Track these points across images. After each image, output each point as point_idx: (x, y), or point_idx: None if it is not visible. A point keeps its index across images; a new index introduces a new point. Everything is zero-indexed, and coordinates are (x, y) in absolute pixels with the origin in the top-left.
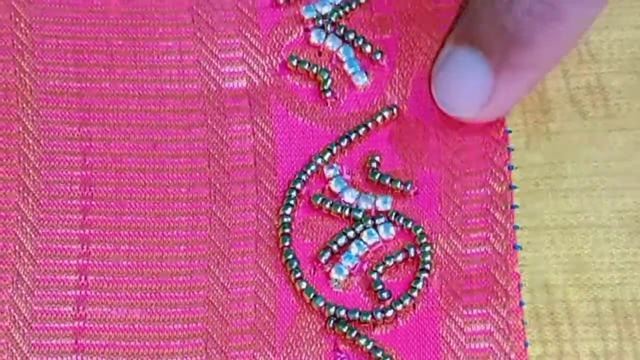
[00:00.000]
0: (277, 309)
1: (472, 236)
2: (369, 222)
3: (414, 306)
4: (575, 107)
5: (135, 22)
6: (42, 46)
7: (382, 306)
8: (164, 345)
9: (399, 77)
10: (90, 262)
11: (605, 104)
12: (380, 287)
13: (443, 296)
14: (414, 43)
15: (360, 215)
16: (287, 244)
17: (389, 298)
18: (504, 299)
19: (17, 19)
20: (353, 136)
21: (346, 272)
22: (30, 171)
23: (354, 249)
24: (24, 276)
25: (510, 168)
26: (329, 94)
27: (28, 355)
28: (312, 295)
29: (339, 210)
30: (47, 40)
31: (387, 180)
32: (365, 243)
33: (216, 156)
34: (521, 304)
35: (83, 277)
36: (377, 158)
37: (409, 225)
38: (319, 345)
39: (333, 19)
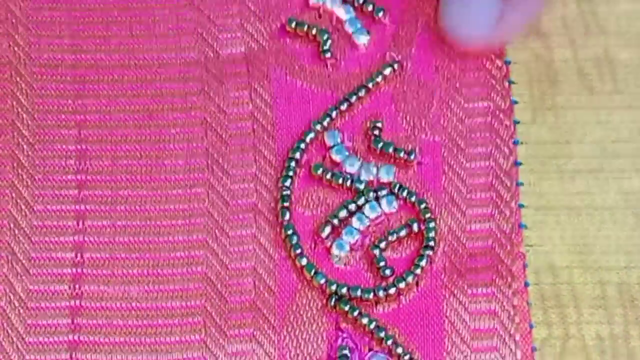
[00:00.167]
0: (277, 285)
1: (477, 212)
2: (371, 194)
3: (417, 284)
4: (582, 80)
5: None
6: (37, 18)
7: (384, 283)
8: (162, 323)
9: (404, 35)
10: (86, 239)
11: (613, 79)
12: (382, 263)
13: (447, 274)
14: (417, 2)
15: (362, 186)
16: (287, 218)
17: (391, 275)
18: (509, 279)
19: None
20: (353, 99)
21: (347, 247)
22: (25, 146)
23: (355, 222)
24: (19, 254)
25: (516, 143)
26: (328, 55)
27: (24, 335)
28: (312, 272)
29: (340, 181)
30: (41, 12)
31: (390, 149)
32: (367, 217)
33: (214, 124)
34: (526, 284)
35: (79, 254)
36: (379, 124)
37: (413, 198)
38: (320, 324)
39: None
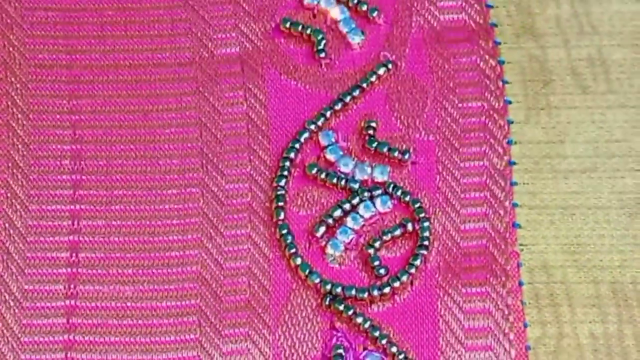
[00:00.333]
0: (272, 285)
1: (471, 211)
2: (366, 194)
3: (411, 283)
4: (576, 79)
5: None
6: (31, 18)
7: (379, 283)
8: (156, 322)
9: (398, 35)
10: (81, 239)
11: (607, 78)
12: (377, 263)
13: (441, 273)
14: (410, 3)
15: (356, 186)
16: (281, 217)
17: (386, 274)
18: (503, 278)
19: None
20: (348, 99)
21: (342, 247)
22: (20, 146)
23: (349, 222)
24: (14, 254)
25: (510, 142)
26: (322, 55)
27: (19, 335)
28: (307, 271)
29: (334, 181)
30: (36, 12)
31: (385, 149)
32: (361, 216)
33: (208, 124)
34: (520, 283)
35: (74, 254)
36: (373, 124)
37: (407, 198)
38: (314, 323)
39: None
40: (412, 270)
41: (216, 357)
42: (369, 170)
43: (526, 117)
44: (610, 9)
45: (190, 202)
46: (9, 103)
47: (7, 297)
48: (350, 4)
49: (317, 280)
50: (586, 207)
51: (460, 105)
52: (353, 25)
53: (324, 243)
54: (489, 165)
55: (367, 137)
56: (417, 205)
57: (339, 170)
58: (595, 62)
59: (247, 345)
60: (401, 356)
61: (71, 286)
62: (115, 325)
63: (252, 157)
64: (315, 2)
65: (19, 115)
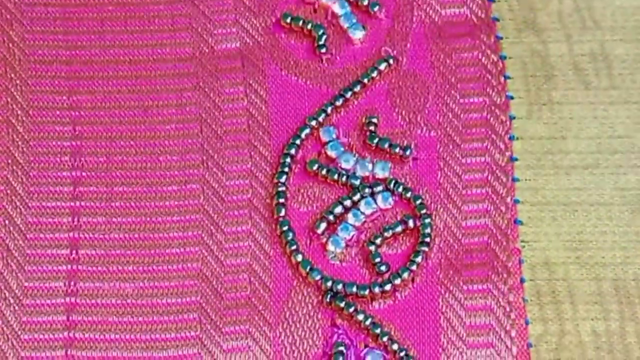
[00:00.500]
0: (273, 282)
1: (472, 207)
2: (367, 190)
3: (412, 280)
4: (578, 75)
5: None
6: (31, 14)
7: (380, 280)
8: (157, 320)
9: (399, 30)
10: (81, 236)
11: (609, 74)
12: (378, 259)
13: (443, 270)
14: None
15: (357, 182)
16: (282, 214)
17: (387, 271)
18: (505, 275)
19: None
20: (348, 94)
21: (343, 243)
22: (19, 143)
23: (350, 219)
24: (14, 251)
25: (512, 138)
26: (323, 50)
27: (19, 332)
28: (308, 268)
29: (335, 177)
30: (35, 8)
31: (386, 145)
32: (362, 213)
33: (208, 120)
34: (522, 280)
35: (74, 251)
36: (375, 119)
37: (408, 194)
38: (315, 321)
39: None
40: (413, 267)
41: (217, 354)
42: (370, 166)
43: (528, 113)
44: (612, 3)
45: (191, 198)
46: (9, 99)
47: (6, 294)
48: None
49: (318, 277)
50: (588, 204)
51: (461, 100)
52: (354, 20)
53: (324, 240)
54: (490, 161)
55: (368, 133)
56: (418, 202)
57: (340, 167)
58: (598, 58)
59: (247, 343)
60: (402, 353)
61: (71, 283)
62: (115, 323)
63: (252, 153)
64: None
65: (19, 112)
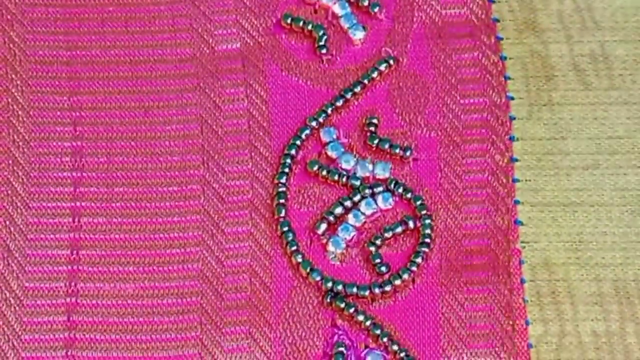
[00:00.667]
0: (273, 282)
1: (473, 208)
2: (367, 191)
3: (413, 281)
4: (578, 75)
5: None
6: (32, 15)
7: (380, 280)
8: (157, 320)
9: (399, 31)
10: (82, 236)
11: (609, 75)
12: (378, 260)
13: (443, 271)
14: None
15: (357, 183)
16: (282, 215)
17: (387, 272)
18: (505, 276)
19: None
20: (349, 95)
21: (343, 244)
22: (20, 143)
23: (351, 219)
24: (14, 252)
25: (512, 139)
26: (324, 51)
27: (20, 333)
28: (308, 269)
29: (335, 177)
30: (36, 9)
31: (387, 146)
32: (363, 213)
33: (209, 121)
34: (522, 281)
35: (75, 252)
36: (375, 120)
37: (409, 195)
38: (316, 321)
39: None
40: (414, 268)
41: (217, 355)
42: (370, 167)
43: (528, 114)
44: (613, 4)
45: (191, 199)
46: (10, 100)
47: (7, 294)
48: (352, 0)
49: (319, 278)
50: (588, 205)
51: (462, 101)
52: (354, 21)
53: (325, 240)
54: (490, 162)
55: (368, 134)
56: (418, 202)
57: (340, 167)
58: (598, 58)
59: (248, 343)
60: (402, 354)
61: (72, 284)
62: (116, 323)
63: (253, 153)
64: None
65: (20, 112)
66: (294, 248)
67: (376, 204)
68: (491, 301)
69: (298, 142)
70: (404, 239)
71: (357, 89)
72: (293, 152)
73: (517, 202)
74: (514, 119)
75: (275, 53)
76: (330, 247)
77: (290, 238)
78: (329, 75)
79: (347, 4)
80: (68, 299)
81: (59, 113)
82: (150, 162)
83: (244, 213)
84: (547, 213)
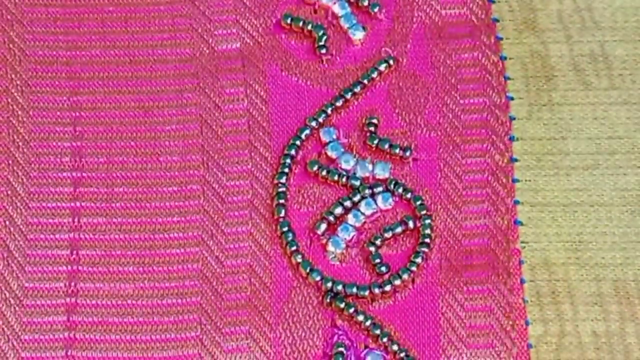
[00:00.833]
0: (273, 282)
1: (473, 208)
2: (367, 191)
3: (412, 281)
4: (578, 75)
5: None
6: (31, 15)
7: (380, 280)
8: (157, 320)
9: (399, 31)
10: (82, 236)
11: (609, 74)
12: (378, 260)
13: (443, 271)
14: None
15: (357, 183)
16: (282, 215)
17: (387, 272)
18: (505, 276)
19: None
20: (349, 95)
21: (343, 244)
22: (20, 143)
23: (351, 219)
24: (14, 252)
25: (512, 139)
26: (324, 51)
27: (20, 333)
28: (308, 269)
29: (335, 178)
30: (36, 9)
31: (386, 146)
32: (362, 213)
33: (209, 121)
34: (522, 281)
35: (75, 252)
36: (375, 120)
37: (408, 195)
38: (315, 321)
39: None
40: (414, 268)
41: (217, 355)
42: (370, 167)
43: (528, 114)
44: (613, 4)
45: (191, 199)
46: (9, 100)
47: (7, 294)
48: (352, 0)
49: (318, 278)
50: (588, 205)
51: (462, 101)
52: (354, 21)
53: (325, 240)
54: (490, 162)
55: (368, 134)
56: (418, 203)
57: (340, 167)
58: (598, 58)
59: (248, 343)
60: (402, 354)
61: (72, 284)
62: (115, 323)
63: (253, 153)
64: None
65: (19, 112)
66: (294, 248)
67: (376, 204)
68: (491, 301)
69: (298, 142)
70: (404, 239)
71: (357, 89)
72: (293, 152)
73: (516, 202)
74: (514, 119)
75: (275, 53)
76: (330, 247)
77: (290, 238)
78: (328, 75)
79: (347, 4)
80: (68, 299)
81: (58, 113)
82: (150, 162)
83: (244, 213)
84: (547, 213)
